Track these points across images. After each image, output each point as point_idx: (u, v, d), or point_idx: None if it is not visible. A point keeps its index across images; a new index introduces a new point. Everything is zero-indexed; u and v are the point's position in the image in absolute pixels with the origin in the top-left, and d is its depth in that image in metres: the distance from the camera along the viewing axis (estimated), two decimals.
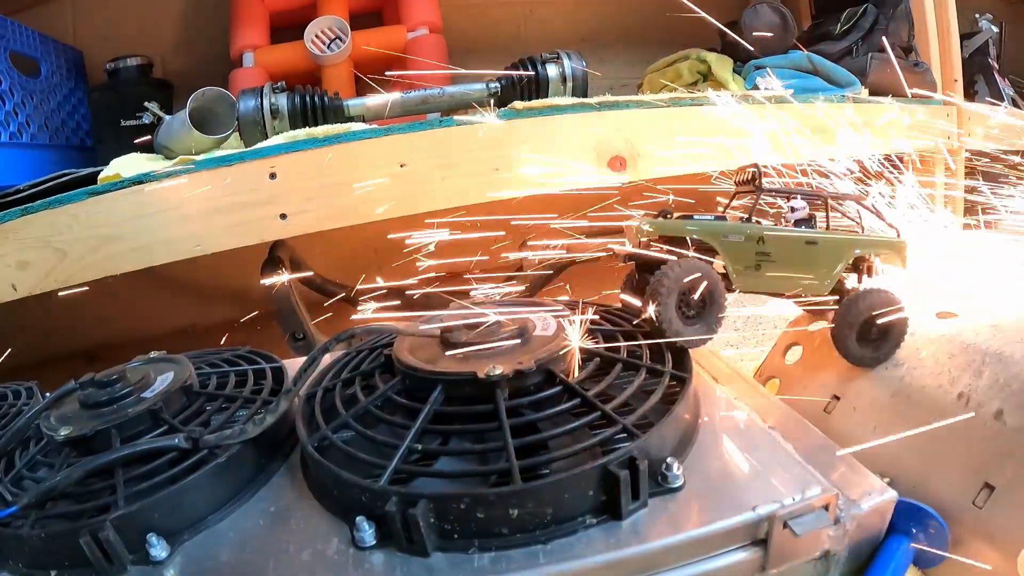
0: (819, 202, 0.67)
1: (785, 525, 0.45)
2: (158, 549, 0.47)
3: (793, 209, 0.65)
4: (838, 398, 0.71)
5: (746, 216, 0.63)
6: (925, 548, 0.54)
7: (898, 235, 0.69)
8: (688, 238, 0.61)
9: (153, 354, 0.69)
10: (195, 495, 0.50)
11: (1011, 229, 1.07)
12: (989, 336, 0.64)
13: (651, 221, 0.62)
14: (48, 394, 0.64)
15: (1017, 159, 1.26)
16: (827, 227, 0.66)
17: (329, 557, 0.45)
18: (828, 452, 0.54)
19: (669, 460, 0.47)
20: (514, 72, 1.04)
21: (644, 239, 0.62)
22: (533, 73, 1.02)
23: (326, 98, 0.96)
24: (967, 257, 0.87)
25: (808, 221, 0.65)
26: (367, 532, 0.45)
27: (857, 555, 0.53)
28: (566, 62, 1.03)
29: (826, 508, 0.47)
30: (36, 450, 0.57)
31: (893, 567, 0.52)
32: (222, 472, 0.52)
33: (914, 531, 0.53)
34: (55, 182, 0.86)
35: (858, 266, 0.67)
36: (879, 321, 0.66)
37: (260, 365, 0.67)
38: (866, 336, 0.67)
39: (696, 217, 0.63)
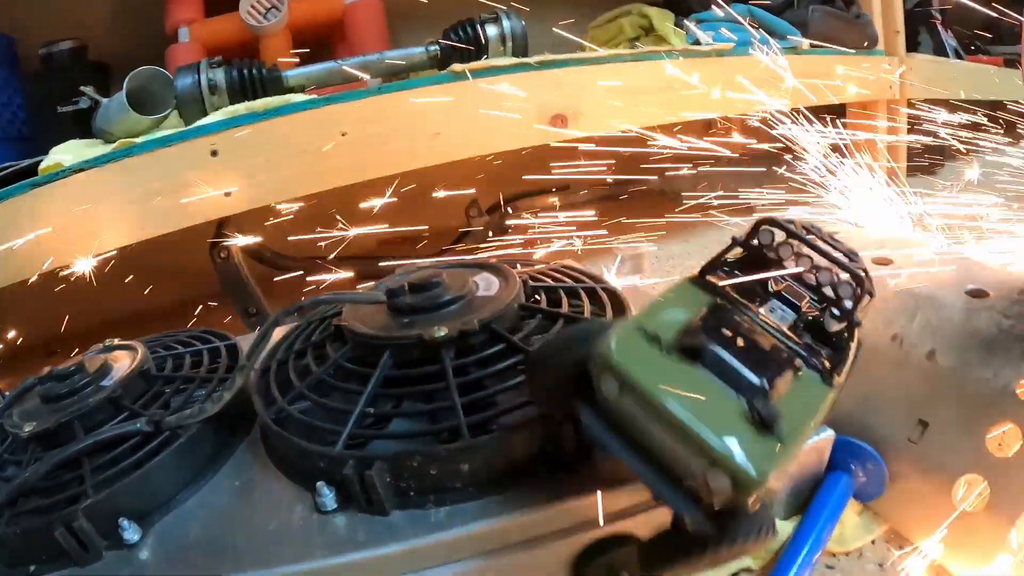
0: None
1: None
2: (130, 532, 0.48)
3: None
4: None
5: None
6: (864, 483, 0.57)
7: None
8: None
9: (108, 342, 0.69)
10: (161, 477, 0.51)
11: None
12: (922, 280, 0.66)
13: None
14: (7, 393, 0.64)
15: None
16: None
17: (295, 524, 0.47)
18: None
19: None
20: (453, 35, 1.04)
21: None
22: (472, 34, 1.02)
23: (264, 70, 0.96)
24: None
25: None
26: (328, 497, 0.47)
27: (799, 492, 0.56)
28: (505, 22, 1.03)
29: None
30: (1, 449, 0.58)
31: (834, 501, 0.55)
32: (185, 452, 0.53)
33: (853, 467, 0.56)
34: None
35: None
36: None
37: (214, 344, 0.67)
38: None
39: None
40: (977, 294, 0.62)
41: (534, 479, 0.46)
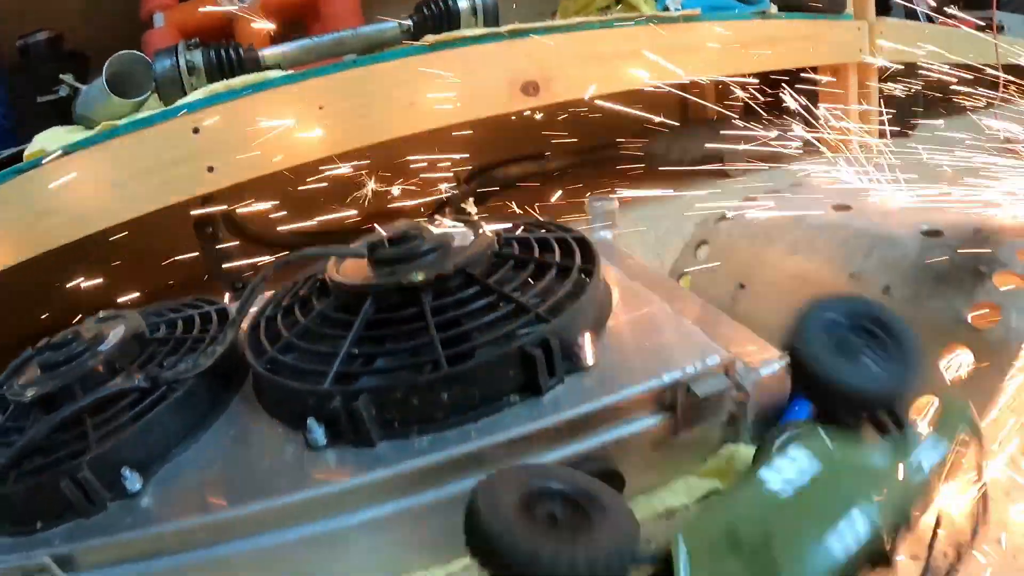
0: None
1: (688, 389, 0.50)
2: (132, 481, 0.51)
3: None
4: (743, 286, 0.77)
5: None
6: None
7: None
8: None
9: (102, 314, 0.71)
10: (160, 429, 0.54)
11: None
12: (879, 222, 0.70)
13: None
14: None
15: None
16: None
17: (288, 462, 0.50)
18: (730, 329, 0.58)
19: (581, 341, 0.52)
20: (425, 8, 1.06)
21: None
22: (444, 7, 1.05)
23: (241, 50, 0.98)
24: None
25: None
26: (318, 432, 0.49)
27: (764, 419, 0.56)
28: None
29: (726, 373, 0.52)
30: (4, 418, 0.60)
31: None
32: (182, 405, 0.56)
33: None
34: None
35: None
36: None
37: (204, 308, 0.70)
38: None
39: None
40: (932, 233, 0.65)
41: (509, 405, 0.50)
